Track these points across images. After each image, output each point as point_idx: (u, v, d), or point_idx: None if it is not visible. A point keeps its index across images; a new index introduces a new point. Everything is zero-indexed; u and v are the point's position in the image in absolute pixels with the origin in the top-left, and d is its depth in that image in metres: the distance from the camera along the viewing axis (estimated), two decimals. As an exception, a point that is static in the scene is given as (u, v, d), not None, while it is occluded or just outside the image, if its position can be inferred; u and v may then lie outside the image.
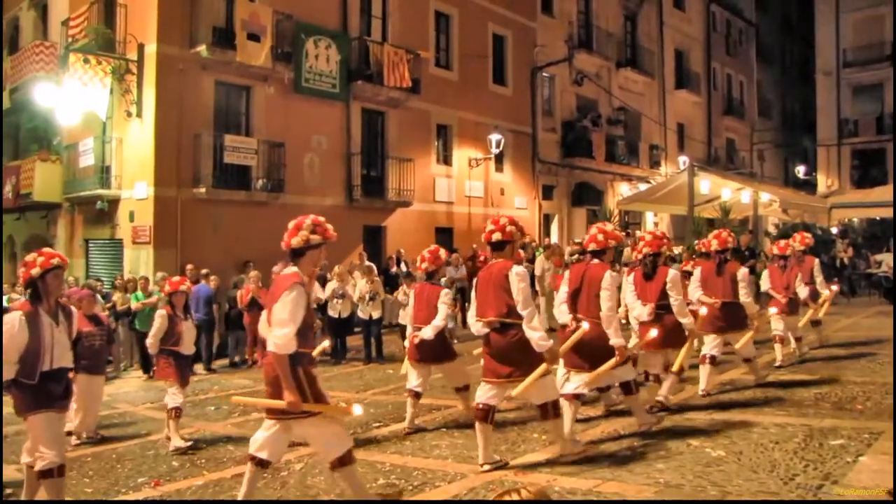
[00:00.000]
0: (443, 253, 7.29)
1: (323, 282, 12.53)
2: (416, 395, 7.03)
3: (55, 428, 4.91)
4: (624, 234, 10.43)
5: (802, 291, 9.32)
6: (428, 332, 6.80)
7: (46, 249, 5.16)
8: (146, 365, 11.71)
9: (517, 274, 5.28)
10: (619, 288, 6.49)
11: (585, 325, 5.82)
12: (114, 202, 15.19)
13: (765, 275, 9.91)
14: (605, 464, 5.44)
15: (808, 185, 33.96)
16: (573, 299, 6.19)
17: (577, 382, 6.02)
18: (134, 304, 12.36)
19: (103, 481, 6.12)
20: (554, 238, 23.52)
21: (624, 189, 26.28)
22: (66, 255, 18.28)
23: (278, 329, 4.28)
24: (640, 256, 7.07)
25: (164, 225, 14.12)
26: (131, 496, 5.76)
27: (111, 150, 15.26)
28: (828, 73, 33.84)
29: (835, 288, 10.54)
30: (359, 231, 17.55)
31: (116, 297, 13.07)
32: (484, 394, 5.49)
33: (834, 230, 22.31)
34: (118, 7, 15.15)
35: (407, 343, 7.35)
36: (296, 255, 4.57)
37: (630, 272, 7.34)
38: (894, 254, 16.77)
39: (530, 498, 2.16)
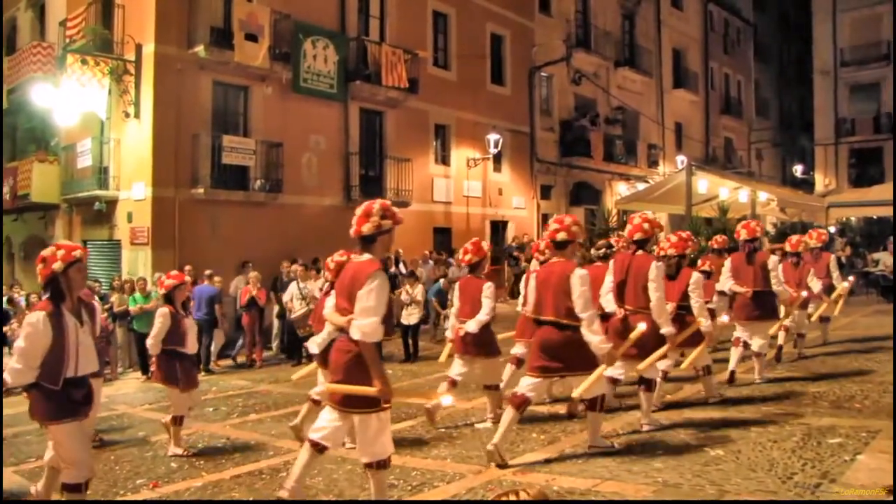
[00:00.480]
0: (485, 245, 7.25)
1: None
2: (453, 384, 7.06)
3: (80, 437, 4.64)
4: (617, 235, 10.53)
5: (816, 286, 9.51)
6: (472, 326, 6.80)
7: (65, 242, 4.86)
8: (144, 366, 11.70)
9: (580, 277, 5.34)
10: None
11: (642, 326, 5.88)
12: (112, 203, 15.17)
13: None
14: (604, 463, 5.44)
15: (806, 184, 34.03)
16: (619, 289, 6.27)
17: (619, 370, 6.17)
18: (132, 308, 12.34)
19: (102, 483, 6.11)
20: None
21: (622, 188, 26.31)
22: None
23: (365, 317, 4.24)
24: (663, 255, 7.10)
25: (163, 225, 14.10)
26: (129, 497, 5.76)
27: (109, 150, 15.25)
28: (825, 73, 33.90)
29: (847, 284, 10.74)
30: (357, 231, 17.52)
31: (114, 298, 13.05)
32: (526, 386, 5.56)
33: (832, 229, 22.35)
34: (116, 7, 15.13)
35: (450, 334, 7.36)
36: (367, 241, 4.53)
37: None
38: (894, 253, 16.79)
39: (529, 499, 2.17)
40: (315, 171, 16.76)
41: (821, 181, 33.57)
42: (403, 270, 15.13)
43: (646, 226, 6.28)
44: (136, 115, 14.52)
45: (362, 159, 17.85)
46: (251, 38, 14.91)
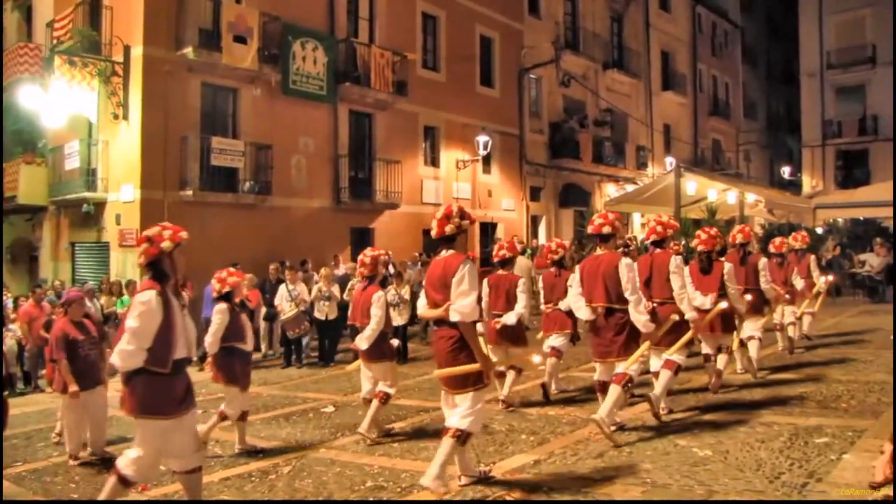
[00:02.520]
0: (519, 245, 7.96)
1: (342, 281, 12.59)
2: (500, 374, 7.61)
3: (190, 426, 4.56)
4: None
5: (799, 283, 10.17)
6: (511, 319, 7.36)
7: (166, 223, 4.76)
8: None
9: (626, 265, 6.00)
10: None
11: (675, 317, 6.57)
12: (100, 205, 15.10)
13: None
14: (593, 464, 5.47)
15: (794, 186, 34.26)
16: (646, 286, 6.86)
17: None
18: (120, 311, 12.28)
19: (89, 486, 6.08)
20: (542, 239, 23.58)
21: (611, 190, 26.41)
22: (52, 259, 18.05)
23: (463, 299, 4.71)
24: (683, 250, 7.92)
25: (151, 227, 14.01)
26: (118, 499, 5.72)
27: (97, 152, 15.17)
28: (812, 75, 34.13)
29: (824, 281, 11.36)
30: (346, 233, 17.55)
31: (103, 300, 13.00)
32: (600, 373, 6.35)
33: (819, 230, 22.51)
34: (104, 9, 15.06)
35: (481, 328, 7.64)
36: (449, 240, 5.02)
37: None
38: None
39: (516, 498, 2.19)
40: (304, 174, 16.74)
41: (808, 183, 33.79)
42: (392, 271, 15.11)
43: (659, 228, 6.95)
44: (125, 117, 14.45)
45: (351, 161, 17.83)
46: (240, 39, 14.88)
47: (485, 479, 5.18)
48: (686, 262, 7.67)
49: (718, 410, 6.92)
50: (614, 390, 6.00)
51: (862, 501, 4.35)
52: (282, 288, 12.44)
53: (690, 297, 7.33)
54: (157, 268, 4.53)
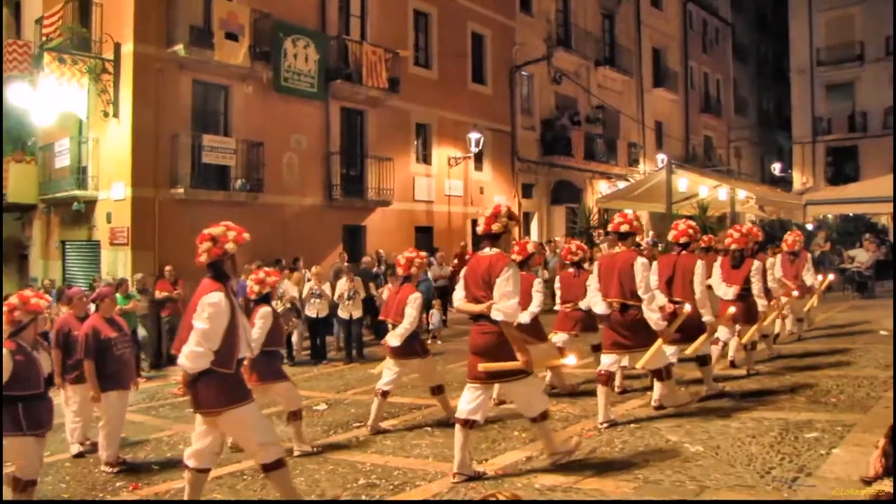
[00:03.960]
0: (531, 246, 8.08)
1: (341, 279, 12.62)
2: None
3: (261, 417, 4.68)
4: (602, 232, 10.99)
5: (809, 279, 10.59)
6: (525, 318, 7.28)
7: (229, 222, 4.75)
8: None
9: (642, 264, 6.26)
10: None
11: (688, 307, 6.82)
12: (91, 203, 15.02)
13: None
14: (585, 460, 5.49)
15: (784, 182, 34.41)
16: (667, 286, 7.17)
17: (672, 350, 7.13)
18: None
19: (80, 486, 6.07)
20: (534, 236, 23.61)
21: (603, 187, 26.45)
22: (42, 258, 17.93)
23: (507, 300, 4.97)
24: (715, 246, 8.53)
25: (142, 226, 13.99)
26: (110, 498, 5.72)
27: (88, 150, 15.08)
28: (802, 72, 34.27)
29: (831, 277, 12.17)
30: (338, 230, 17.52)
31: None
32: (606, 362, 6.50)
33: (809, 226, 22.60)
34: (93, 6, 14.95)
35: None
36: (494, 238, 5.26)
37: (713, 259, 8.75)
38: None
39: (506, 499, 2.20)
40: (296, 171, 16.70)
41: (798, 179, 33.95)
42: (383, 269, 15.12)
43: (690, 231, 7.33)
44: (115, 115, 14.37)
45: (343, 159, 17.80)
46: (231, 37, 14.81)
47: (477, 478, 5.21)
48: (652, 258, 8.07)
49: (709, 406, 6.96)
50: (599, 390, 6.36)
51: (853, 500, 4.39)
52: (269, 287, 12.40)
53: (715, 288, 8.21)
54: (219, 268, 4.58)
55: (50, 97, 14.01)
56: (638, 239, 9.39)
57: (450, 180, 20.73)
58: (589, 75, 26.81)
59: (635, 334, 6.32)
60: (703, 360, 7.30)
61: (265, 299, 6.71)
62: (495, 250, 5.21)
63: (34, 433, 4.99)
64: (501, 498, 2.19)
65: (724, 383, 7.76)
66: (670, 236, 7.61)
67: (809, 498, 4.47)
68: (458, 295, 5.45)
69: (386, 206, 18.35)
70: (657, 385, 6.74)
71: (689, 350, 7.08)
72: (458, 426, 5.21)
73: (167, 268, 13.04)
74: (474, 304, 5.21)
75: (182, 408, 9.10)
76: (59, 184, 15.54)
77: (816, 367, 8.57)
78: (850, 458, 4.96)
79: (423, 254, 7.73)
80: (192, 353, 4.31)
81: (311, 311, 12.35)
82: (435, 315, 14.00)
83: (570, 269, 8.41)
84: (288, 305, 12.11)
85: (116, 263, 14.24)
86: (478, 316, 5.22)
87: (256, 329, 6.36)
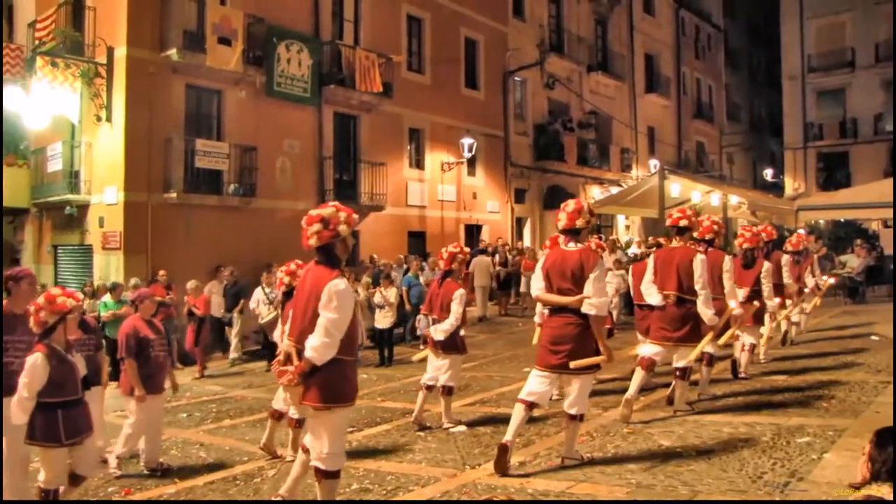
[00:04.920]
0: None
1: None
2: None
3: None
4: (597, 237, 11.08)
5: (810, 281, 10.87)
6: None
7: (336, 202, 4.64)
8: (116, 373, 11.50)
9: (701, 261, 6.51)
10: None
11: (733, 304, 7.03)
12: (83, 207, 14.97)
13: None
14: (578, 465, 5.50)
15: (776, 188, 34.56)
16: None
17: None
18: (104, 314, 12.15)
19: (73, 492, 6.03)
20: (527, 241, 23.65)
21: (595, 192, 26.50)
22: (34, 262, 17.80)
23: (599, 296, 5.18)
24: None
25: (135, 230, 13.94)
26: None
27: (80, 154, 15.04)
28: (793, 78, 34.49)
29: (832, 280, 12.54)
30: (332, 235, 17.47)
31: (86, 303, 12.86)
32: (650, 350, 6.71)
33: (801, 231, 22.71)
34: (87, 10, 14.95)
35: (538, 319, 8.08)
36: (577, 233, 5.46)
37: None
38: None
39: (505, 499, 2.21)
40: (289, 176, 16.69)
41: (790, 185, 34.12)
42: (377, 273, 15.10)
43: (715, 227, 7.49)
44: (108, 119, 14.34)
45: (336, 163, 17.80)
46: (224, 41, 14.81)
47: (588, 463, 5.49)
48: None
49: (702, 411, 6.98)
50: (638, 373, 6.66)
51: (844, 501, 4.41)
52: (258, 291, 12.38)
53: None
54: (331, 252, 4.34)
55: (43, 101, 13.96)
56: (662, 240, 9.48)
57: (443, 185, 20.75)
58: (582, 81, 26.90)
59: (684, 328, 6.51)
60: (709, 361, 7.47)
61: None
62: (579, 245, 5.43)
63: (72, 442, 4.77)
64: (497, 500, 2.20)
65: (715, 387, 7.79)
66: (695, 234, 7.74)
67: (802, 500, 4.49)
68: (538, 285, 5.58)
69: (379, 210, 18.35)
70: (677, 382, 6.89)
71: (694, 354, 7.10)
72: (520, 406, 5.41)
73: (160, 272, 13.01)
74: (560, 296, 5.35)
75: (174, 413, 9.07)
76: (52, 188, 15.48)
77: (808, 372, 8.61)
78: (842, 463, 4.99)
79: (467, 249, 7.88)
80: (323, 344, 4.07)
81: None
82: (423, 320, 13.99)
83: None
84: (279, 311, 12.06)
85: (109, 268, 14.18)
86: (560, 308, 5.36)
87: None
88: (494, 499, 4.85)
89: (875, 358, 9.21)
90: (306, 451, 4.46)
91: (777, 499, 4.57)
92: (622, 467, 5.37)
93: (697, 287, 6.44)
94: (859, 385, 7.71)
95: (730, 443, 5.79)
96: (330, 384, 4.15)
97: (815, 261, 11.57)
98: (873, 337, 11.00)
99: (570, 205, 5.51)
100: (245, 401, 9.87)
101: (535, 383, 5.43)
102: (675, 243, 6.85)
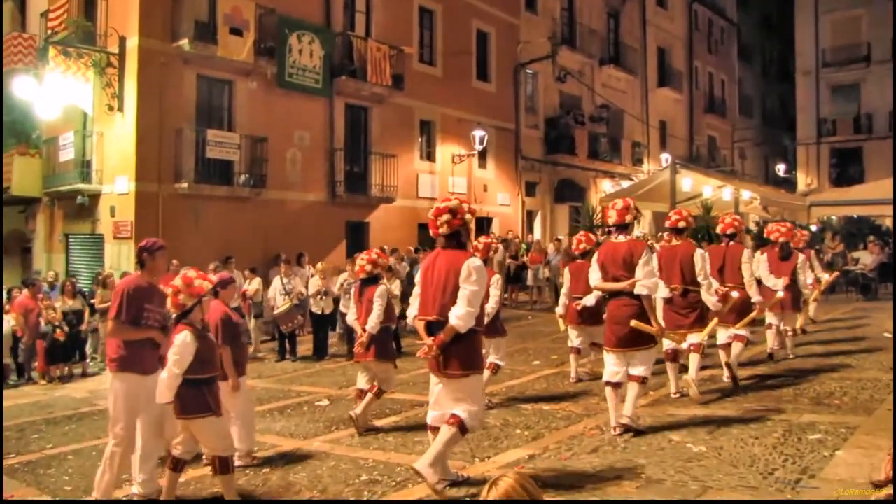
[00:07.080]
0: (593, 237, 9.11)
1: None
2: (577, 352, 8.69)
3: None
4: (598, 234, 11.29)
5: (809, 277, 10.82)
6: (590, 300, 8.01)
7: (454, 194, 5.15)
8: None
9: (701, 255, 7.10)
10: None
11: (735, 294, 7.42)
12: (94, 197, 15.04)
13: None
14: (587, 459, 5.48)
15: (788, 183, 34.31)
16: (719, 273, 7.77)
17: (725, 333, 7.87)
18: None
19: (84, 479, 6.06)
20: (537, 234, 23.59)
21: (606, 186, 26.41)
22: (45, 251, 17.89)
23: (650, 278, 5.93)
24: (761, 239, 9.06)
25: (146, 220, 13.99)
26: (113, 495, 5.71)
27: (92, 144, 15.11)
28: (807, 73, 34.17)
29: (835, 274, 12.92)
30: (342, 227, 17.53)
31: (99, 292, 12.92)
32: (670, 342, 7.10)
33: (813, 228, 22.56)
34: (99, 0, 14.98)
35: (560, 310, 8.85)
36: (626, 227, 6.27)
37: (763, 252, 9.60)
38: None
39: (512, 484, 2.20)
40: (299, 167, 16.70)
41: (803, 180, 33.85)
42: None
43: (736, 223, 8.06)
44: (120, 109, 14.39)
45: (347, 155, 17.80)
46: (236, 32, 14.82)
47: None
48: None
49: (712, 406, 6.95)
50: (670, 366, 7.40)
51: (866, 501, 4.38)
52: (276, 281, 12.40)
53: (764, 279, 8.81)
54: (459, 238, 5.03)
55: (55, 91, 14.02)
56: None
57: (453, 177, 20.71)
58: (593, 74, 26.77)
59: (693, 314, 7.09)
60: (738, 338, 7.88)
61: (375, 280, 7.10)
62: (629, 237, 6.24)
63: (220, 414, 4.96)
64: (505, 481, 2.19)
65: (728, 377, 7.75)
66: (718, 229, 8.47)
67: (813, 499, 4.46)
68: (595, 276, 6.30)
69: (389, 202, 18.35)
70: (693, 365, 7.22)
71: (703, 334, 7.24)
72: (608, 389, 6.07)
73: (173, 262, 13.02)
74: (615, 283, 6.08)
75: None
76: (63, 177, 15.56)
77: (820, 369, 8.55)
78: (854, 461, 4.95)
79: (495, 240, 8.70)
80: (467, 314, 4.66)
81: (316, 308, 12.34)
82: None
83: (580, 260, 8.64)
84: (296, 302, 12.10)
85: (120, 257, 14.25)
86: (617, 292, 6.08)
87: (376, 308, 6.86)
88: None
89: (887, 355, 9.12)
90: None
91: (789, 497, 4.53)
92: (632, 461, 5.35)
93: (700, 278, 6.98)
94: (871, 382, 7.65)
95: (740, 438, 5.76)
96: (468, 353, 4.82)
97: (812, 255, 11.82)
98: (885, 334, 10.90)
99: (619, 203, 6.26)
100: (255, 391, 9.87)
101: (610, 363, 6.12)
102: (675, 241, 7.38)
